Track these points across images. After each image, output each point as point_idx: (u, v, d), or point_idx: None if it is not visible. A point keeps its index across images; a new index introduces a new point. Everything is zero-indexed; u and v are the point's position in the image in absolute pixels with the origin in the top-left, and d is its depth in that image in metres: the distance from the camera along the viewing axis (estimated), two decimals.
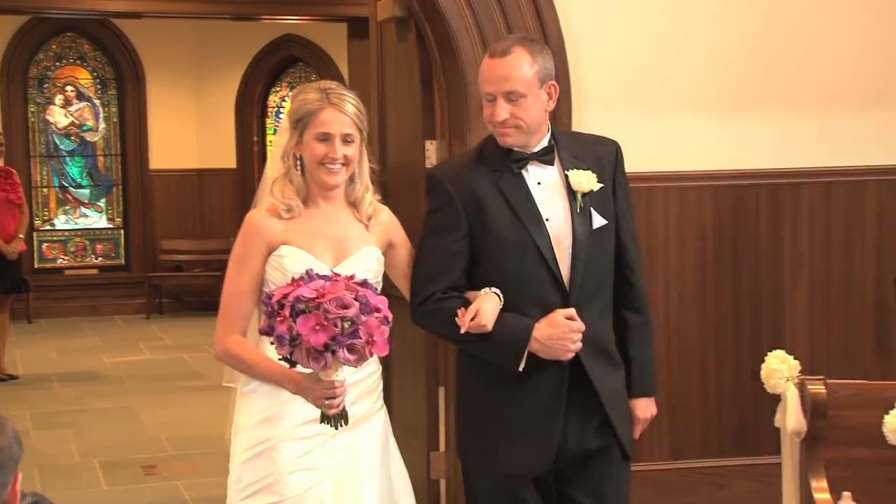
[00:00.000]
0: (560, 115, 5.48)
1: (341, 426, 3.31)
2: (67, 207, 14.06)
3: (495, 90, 3.44)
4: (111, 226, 14.08)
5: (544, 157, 3.54)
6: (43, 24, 13.52)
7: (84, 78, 14.10)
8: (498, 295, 3.40)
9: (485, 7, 5.39)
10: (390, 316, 3.15)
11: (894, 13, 6.08)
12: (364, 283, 3.19)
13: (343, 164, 3.40)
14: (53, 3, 12.33)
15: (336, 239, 3.48)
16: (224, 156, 14.21)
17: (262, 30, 13.80)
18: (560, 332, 3.39)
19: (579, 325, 3.38)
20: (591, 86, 5.58)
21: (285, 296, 3.10)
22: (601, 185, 3.52)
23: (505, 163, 3.53)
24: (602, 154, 3.65)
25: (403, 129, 5.89)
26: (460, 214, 3.51)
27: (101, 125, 14.10)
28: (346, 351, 3.06)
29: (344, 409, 3.28)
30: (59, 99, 13.98)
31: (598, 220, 3.54)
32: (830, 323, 5.57)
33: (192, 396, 8.98)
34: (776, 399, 4.19)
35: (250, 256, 3.46)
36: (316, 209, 3.48)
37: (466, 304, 3.39)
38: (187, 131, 13.97)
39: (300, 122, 3.42)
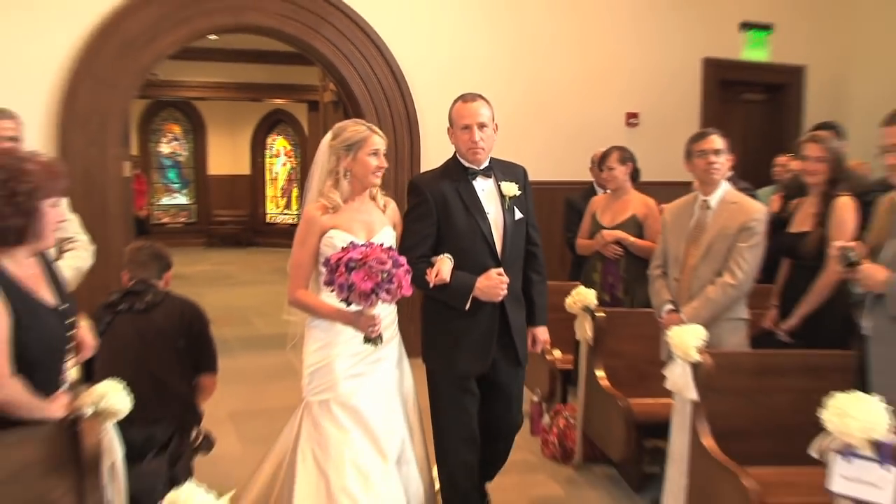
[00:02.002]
0: (417, 150, 8.19)
1: (379, 343, 3.71)
2: None
3: (472, 122, 4.01)
4: None
5: (486, 172, 4.11)
6: None
7: None
8: (450, 259, 3.96)
9: (379, 98, 8.25)
10: (410, 269, 3.55)
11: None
12: (391, 248, 3.56)
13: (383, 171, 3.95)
14: None
15: (366, 223, 3.90)
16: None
17: (261, 106, 18.86)
18: (494, 283, 3.98)
19: (506, 278, 3.99)
20: (429, 137, 8.29)
21: (340, 258, 3.45)
22: (520, 192, 4.13)
23: (462, 176, 4.09)
24: (518, 173, 4.21)
25: None
26: (432, 209, 4.03)
27: None
28: (385, 293, 3.43)
29: (380, 333, 3.69)
30: None
31: (518, 215, 4.14)
32: None
33: None
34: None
35: (309, 238, 3.84)
36: (353, 203, 3.89)
37: (430, 266, 3.91)
38: None
39: (354, 146, 3.86)
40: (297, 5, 7.96)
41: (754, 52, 10.04)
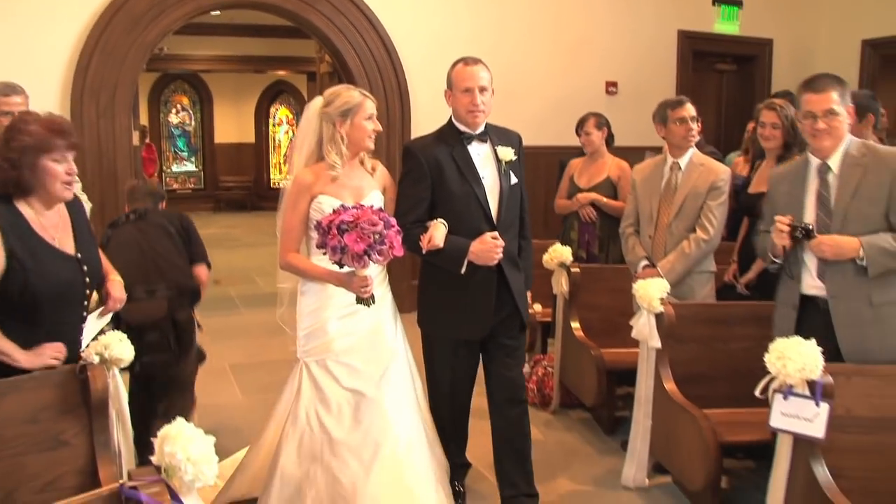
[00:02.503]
0: (408, 118, 8.30)
1: (371, 304, 3.57)
2: None
3: (474, 85, 3.81)
4: None
5: (482, 137, 3.90)
6: None
7: None
8: (444, 224, 3.76)
9: (371, 69, 8.29)
10: (401, 230, 3.45)
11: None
12: (381, 210, 3.46)
13: None
14: None
15: (355, 188, 3.75)
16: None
17: (264, 78, 19.10)
18: (488, 247, 3.77)
19: (501, 242, 3.79)
20: (419, 106, 8.37)
21: (332, 221, 3.32)
22: (515, 157, 3.95)
23: (458, 140, 3.88)
24: (513, 139, 4.01)
25: None
26: (426, 173, 3.83)
27: None
28: (377, 254, 3.31)
29: (372, 293, 3.54)
30: None
31: (514, 179, 3.94)
32: None
33: None
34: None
35: (299, 203, 3.71)
36: (344, 168, 3.75)
37: (425, 230, 3.72)
38: None
39: (350, 112, 3.69)
40: None
41: (726, 25, 10.07)
